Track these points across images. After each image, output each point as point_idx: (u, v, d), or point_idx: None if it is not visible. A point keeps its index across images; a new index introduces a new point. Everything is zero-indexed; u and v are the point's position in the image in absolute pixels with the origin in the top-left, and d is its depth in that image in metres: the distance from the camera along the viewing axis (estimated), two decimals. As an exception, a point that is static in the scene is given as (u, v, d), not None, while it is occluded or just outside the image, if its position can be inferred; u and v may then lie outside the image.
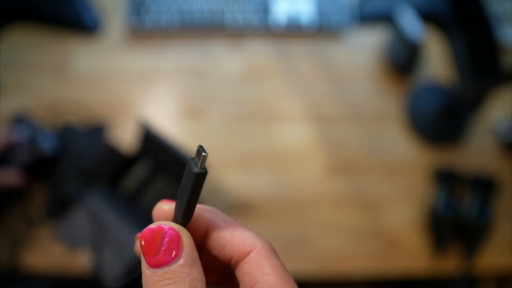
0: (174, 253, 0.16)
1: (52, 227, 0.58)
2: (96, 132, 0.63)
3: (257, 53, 0.70)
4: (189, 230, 0.18)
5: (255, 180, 0.63)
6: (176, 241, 0.17)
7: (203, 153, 0.17)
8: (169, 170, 0.57)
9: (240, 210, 0.61)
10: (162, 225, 0.17)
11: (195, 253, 0.17)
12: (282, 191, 0.63)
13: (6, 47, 0.68)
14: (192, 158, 0.17)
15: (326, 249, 0.61)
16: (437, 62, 0.71)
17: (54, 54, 0.68)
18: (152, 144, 0.55)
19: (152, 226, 0.17)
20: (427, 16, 0.71)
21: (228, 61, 0.70)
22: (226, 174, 0.63)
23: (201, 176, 0.17)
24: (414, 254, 0.61)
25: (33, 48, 0.68)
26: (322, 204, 0.63)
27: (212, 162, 0.64)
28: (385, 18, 0.72)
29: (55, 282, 0.57)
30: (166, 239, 0.17)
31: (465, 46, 0.69)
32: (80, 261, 0.56)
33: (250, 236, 0.19)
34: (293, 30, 0.71)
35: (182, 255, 0.16)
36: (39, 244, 0.57)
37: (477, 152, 0.66)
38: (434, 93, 0.68)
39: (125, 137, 0.63)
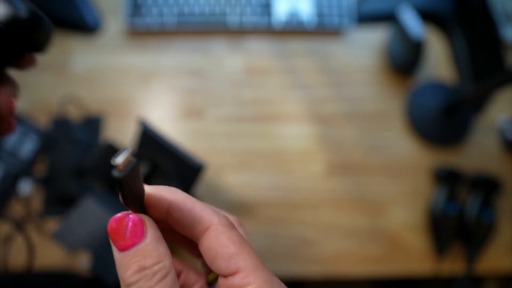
0: (139, 235, 0.18)
1: (50, 228, 0.58)
2: (91, 124, 0.63)
3: (257, 53, 0.70)
4: (151, 214, 0.20)
5: (255, 180, 0.63)
6: (139, 224, 0.19)
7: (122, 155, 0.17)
8: (167, 167, 0.57)
9: (240, 210, 0.61)
10: (124, 214, 0.19)
11: (158, 233, 0.19)
12: (282, 191, 0.62)
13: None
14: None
15: (326, 249, 0.60)
16: (438, 61, 0.71)
17: (53, 53, 0.68)
18: (150, 141, 0.55)
19: (116, 215, 0.19)
20: (428, 15, 0.71)
21: (228, 60, 0.69)
22: (226, 173, 0.63)
23: (119, 180, 0.17)
24: (415, 255, 0.61)
25: (32, 47, 0.68)
26: (322, 204, 0.62)
27: (212, 162, 0.63)
28: (386, 17, 0.71)
29: (50, 276, 0.57)
30: (130, 224, 0.19)
31: (467, 45, 0.69)
32: (79, 260, 0.56)
33: (208, 213, 0.20)
34: (294, 29, 0.70)
35: (147, 235, 0.19)
36: (38, 243, 0.57)
37: (479, 152, 0.66)
38: (435, 92, 0.68)
39: (125, 136, 0.63)
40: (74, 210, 0.55)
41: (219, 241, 0.19)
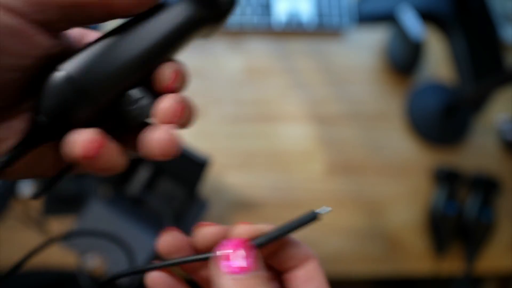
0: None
1: (51, 227, 0.58)
2: None
3: (257, 53, 0.70)
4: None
5: (255, 180, 0.63)
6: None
7: None
8: (170, 169, 0.57)
9: (240, 209, 0.61)
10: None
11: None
12: (283, 191, 0.63)
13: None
14: None
15: (327, 249, 0.60)
16: (438, 61, 0.71)
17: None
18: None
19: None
20: (428, 16, 0.71)
21: (228, 60, 0.69)
22: (226, 174, 0.63)
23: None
24: (415, 255, 0.61)
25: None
26: (323, 204, 0.62)
27: (213, 162, 0.63)
28: (385, 17, 0.72)
29: (52, 276, 0.57)
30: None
31: (466, 45, 0.69)
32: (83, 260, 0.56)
33: (309, 248, 0.21)
34: (294, 30, 0.71)
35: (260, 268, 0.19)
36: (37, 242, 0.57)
37: (478, 152, 0.66)
38: (435, 93, 0.68)
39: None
40: (83, 215, 0.55)
41: (318, 274, 0.21)
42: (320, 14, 0.70)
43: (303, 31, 0.71)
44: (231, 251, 0.18)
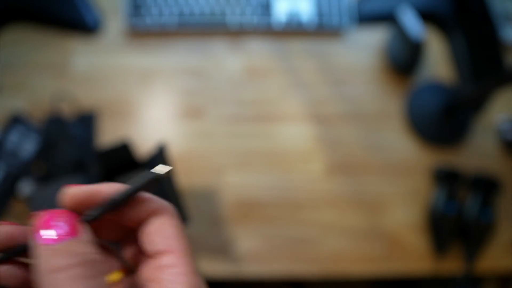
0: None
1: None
2: (85, 120, 0.63)
3: (257, 53, 0.70)
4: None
5: (254, 179, 0.63)
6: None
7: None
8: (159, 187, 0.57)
9: (239, 209, 0.61)
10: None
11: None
12: (282, 191, 0.63)
13: (6, 46, 0.67)
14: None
15: (326, 249, 0.60)
16: (438, 61, 0.71)
17: (53, 54, 0.68)
18: (158, 163, 0.54)
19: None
20: (428, 16, 0.71)
21: (228, 60, 0.69)
22: (225, 173, 0.63)
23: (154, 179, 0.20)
24: (415, 255, 0.61)
25: (33, 47, 0.68)
26: (322, 204, 0.62)
27: (212, 162, 0.63)
28: (385, 17, 0.72)
29: None
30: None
31: (466, 45, 0.69)
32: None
33: (160, 200, 0.21)
34: (293, 30, 0.71)
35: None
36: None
37: (478, 152, 0.66)
38: (435, 93, 0.68)
39: (124, 136, 0.63)
40: (55, 181, 0.55)
41: (169, 223, 0.20)
42: (320, 14, 0.70)
43: (303, 31, 0.71)
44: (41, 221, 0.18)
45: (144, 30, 0.69)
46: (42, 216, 0.18)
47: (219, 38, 0.70)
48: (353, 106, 0.68)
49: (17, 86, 0.66)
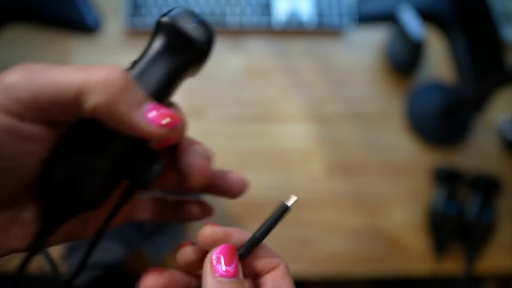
0: (234, 268, 0.20)
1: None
2: None
3: (257, 53, 0.70)
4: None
5: (255, 180, 0.63)
6: (235, 260, 0.20)
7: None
8: None
9: (239, 209, 0.61)
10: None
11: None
12: (282, 191, 0.62)
13: (5, 46, 0.67)
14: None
15: (327, 250, 0.60)
16: (438, 61, 0.71)
17: (53, 53, 0.68)
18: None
19: (224, 246, 0.21)
20: (428, 15, 0.71)
21: (228, 60, 0.69)
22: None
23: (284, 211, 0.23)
24: (415, 255, 0.61)
25: (32, 47, 0.68)
26: (323, 204, 0.62)
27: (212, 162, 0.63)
28: (386, 17, 0.71)
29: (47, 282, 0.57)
30: (235, 258, 0.20)
31: (467, 45, 0.69)
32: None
33: (278, 256, 0.23)
34: (294, 29, 0.70)
35: (239, 272, 0.20)
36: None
37: (479, 152, 0.66)
38: (435, 93, 0.68)
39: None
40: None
41: (285, 280, 0.21)
42: (320, 14, 0.70)
43: (303, 31, 0.71)
44: (221, 256, 0.20)
45: (144, 30, 0.69)
46: (220, 250, 0.20)
47: (219, 38, 0.70)
48: (353, 106, 0.68)
49: (17, 86, 0.66)
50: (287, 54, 0.70)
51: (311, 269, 0.59)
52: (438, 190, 0.62)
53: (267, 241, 0.23)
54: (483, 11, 0.67)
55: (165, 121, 0.19)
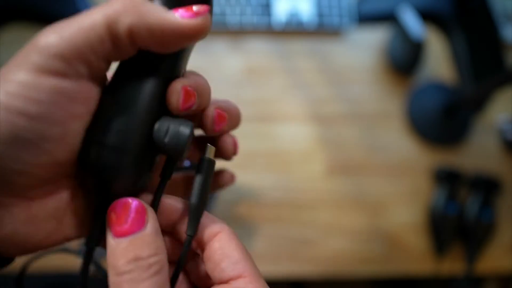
0: (140, 223, 0.18)
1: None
2: None
3: (257, 53, 0.70)
4: (160, 217, 0.20)
5: (255, 180, 0.63)
6: (142, 213, 0.18)
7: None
8: None
9: (239, 210, 0.61)
10: (129, 199, 0.18)
11: (158, 226, 0.19)
12: (282, 191, 0.62)
13: (5, 46, 0.67)
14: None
15: (327, 250, 0.60)
16: (439, 61, 0.71)
17: (53, 54, 0.68)
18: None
19: (121, 199, 0.18)
20: (428, 15, 0.71)
21: (228, 60, 0.69)
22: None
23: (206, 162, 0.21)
24: (415, 255, 0.61)
25: (32, 47, 0.68)
26: (323, 204, 0.62)
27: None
28: (386, 17, 0.71)
29: (50, 282, 0.57)
30: (133, 211, 0.18)
31: (467, 45, 0.69)
32: (76, 260, 0.56)
33: (217, 220, 0.21)
34: (294, 30, 0.70)
35: (148, 225, 0.18)
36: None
37: (479, 153, 0.66)
38: (435, 93, 0.68)
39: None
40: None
41: (230, 245, 0.20)
42: (320, 14, 0.70)
43: (303, 31, 0.71)
44: (113, 213, 0.18)
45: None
46: (113, 208, 0.18)
47: (219, 38, 0.70)
48: (353, 106, 0.68)
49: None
50: (287, 54, 0.70)
51: (311, 269, 0.59)
52: (438, 190, 0.62)
53: (267, 241, 0.22)
54: (483, 11, 0.67)
55: (196, 8, 0.18)
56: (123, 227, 0.18)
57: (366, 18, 0.72)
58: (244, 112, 0.66)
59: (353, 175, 0.64)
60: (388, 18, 0.71)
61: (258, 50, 0.70)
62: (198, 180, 0.21)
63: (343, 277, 0.60)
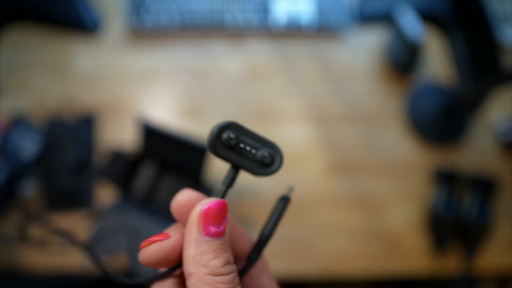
0: (224, 229, 0.18)
1: (56, 224, 0.58)
2: (85, 123, 0.64)
3: (257, 53, 0.70)
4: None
5: (255, 180, 0.63)
6: (227, 219, 0.19)
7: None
8: (173, 162, 0.57)
9: (239, 209, 0.61)
10: (226, 201, 0.19)
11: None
12: (282, 191, 0.63)
13: (6, 47, 0.68)
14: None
15: (326, 249, 0.61)
16: (437, 62, 0.71)
17: (54, 54, 0.68)
18: (154, 138, 0.55)
19: (218, 199, 0.19)
20: (427, 16, 0.71)
21: (228, 61, 0.70)
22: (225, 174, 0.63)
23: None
24: (414, 254, 0.61)
25: (33, 48, 0.68)
26: (322, 204, 0.63)
27: (212, 162, 0.64)
28: (385, 18, 0.72)
29: (53, 281, 0.57)
30: (226, 215, 0.19)
31: (465, 46, 0.69)
32: (77, 259, 0.56)
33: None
34: (293, 30, 0.71)
35: (227, 232, 0.19)
36: (37, 241, 0.57)
37: (477, 152, 0.66)
38: (434, 93, 0.68)
39: (126, 137, 0.63)
40: (101, 221, 0.56)
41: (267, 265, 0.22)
42: (320, 15, 0.70)
43: (303, 32, 0.71)
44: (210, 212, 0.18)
45: (144, 31, 0.70)
46: (214, 204, 0.19)
47: (219, 39, 0.71)
48: (353, 106, 0.68)
49: (19, 87, 0.66)
50: (287, 54, 0.70)
51: (311, 268, 0.60)
52: (437, 189, 0.62)
53: (269, 245, 0.23)
54: (481, 12, 0.67)
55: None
56: (219, 228, 0.18)
57: (366, 19, 0.72)
58: (244, 112, 0.67)
59: (352, 174, 0.64)
60: (388, 18, 0.71)
61: (258, 51, 0.70)
62: (276, 212, 0.22)
63: (343, 276, 0.60)
